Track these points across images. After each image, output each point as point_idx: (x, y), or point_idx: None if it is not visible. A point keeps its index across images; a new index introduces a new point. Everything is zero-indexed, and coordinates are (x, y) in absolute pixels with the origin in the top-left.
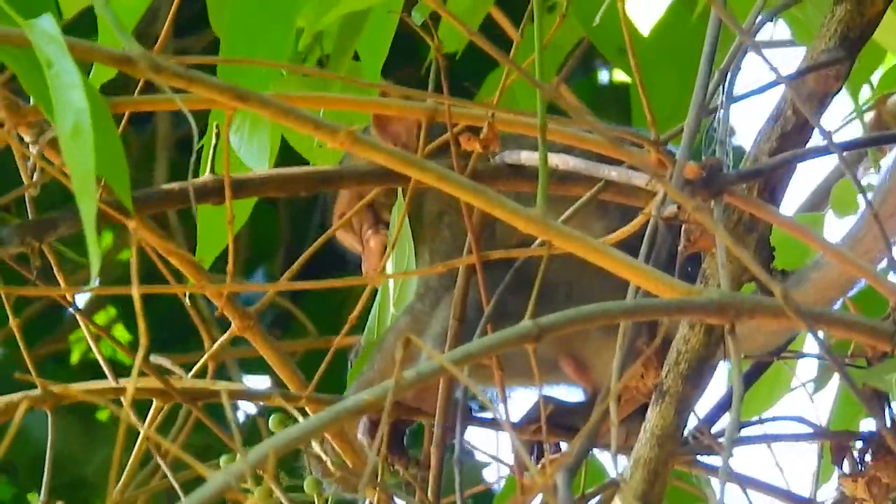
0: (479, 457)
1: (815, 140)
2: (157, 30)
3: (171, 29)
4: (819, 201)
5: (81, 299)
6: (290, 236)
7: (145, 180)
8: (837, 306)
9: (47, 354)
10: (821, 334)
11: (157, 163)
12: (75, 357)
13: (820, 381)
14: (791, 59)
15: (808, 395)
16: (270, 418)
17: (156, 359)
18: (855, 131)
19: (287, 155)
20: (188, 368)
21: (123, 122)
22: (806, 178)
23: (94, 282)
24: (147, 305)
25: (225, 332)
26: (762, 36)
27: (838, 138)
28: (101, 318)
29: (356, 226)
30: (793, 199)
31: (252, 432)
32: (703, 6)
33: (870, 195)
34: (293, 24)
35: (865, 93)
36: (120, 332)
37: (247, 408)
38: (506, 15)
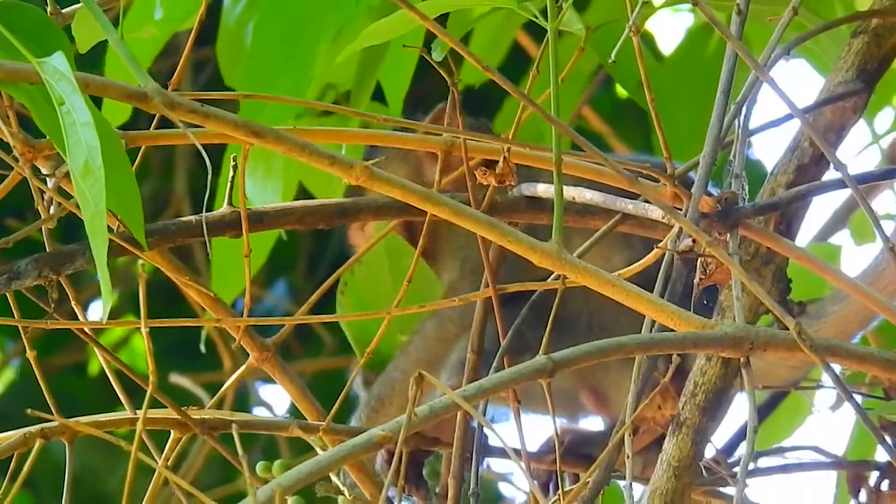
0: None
1: (833, 171)
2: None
3: (191, 68)
4: (843, 217)
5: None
6: (312, 246)
7: (165, 192)
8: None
9: (65, 365)
10: (836, 367)
11: (176, 173)
12: (94, 367)
13: (836, 406)
14: (811, 88)
15: (825, 425)
16: (274, 465)
17: (176, 378)
18: (873, 156)
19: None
20: (208, 388)
21: (139, 156)
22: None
23: (105, 318)
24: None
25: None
26: (780, 66)
27: (856, 167)
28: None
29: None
30: (816, 216)
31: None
32: (719, 37)
33: (888, 224)
34: (311, 67)
35: (887, 113)
36: (139, 341)
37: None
38: (531, 36)
